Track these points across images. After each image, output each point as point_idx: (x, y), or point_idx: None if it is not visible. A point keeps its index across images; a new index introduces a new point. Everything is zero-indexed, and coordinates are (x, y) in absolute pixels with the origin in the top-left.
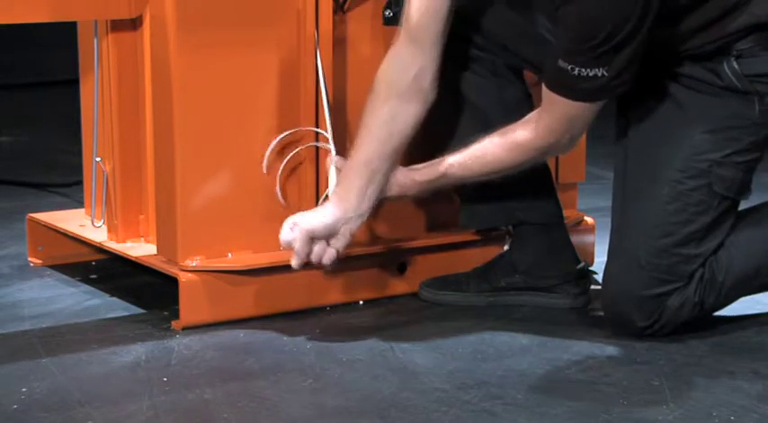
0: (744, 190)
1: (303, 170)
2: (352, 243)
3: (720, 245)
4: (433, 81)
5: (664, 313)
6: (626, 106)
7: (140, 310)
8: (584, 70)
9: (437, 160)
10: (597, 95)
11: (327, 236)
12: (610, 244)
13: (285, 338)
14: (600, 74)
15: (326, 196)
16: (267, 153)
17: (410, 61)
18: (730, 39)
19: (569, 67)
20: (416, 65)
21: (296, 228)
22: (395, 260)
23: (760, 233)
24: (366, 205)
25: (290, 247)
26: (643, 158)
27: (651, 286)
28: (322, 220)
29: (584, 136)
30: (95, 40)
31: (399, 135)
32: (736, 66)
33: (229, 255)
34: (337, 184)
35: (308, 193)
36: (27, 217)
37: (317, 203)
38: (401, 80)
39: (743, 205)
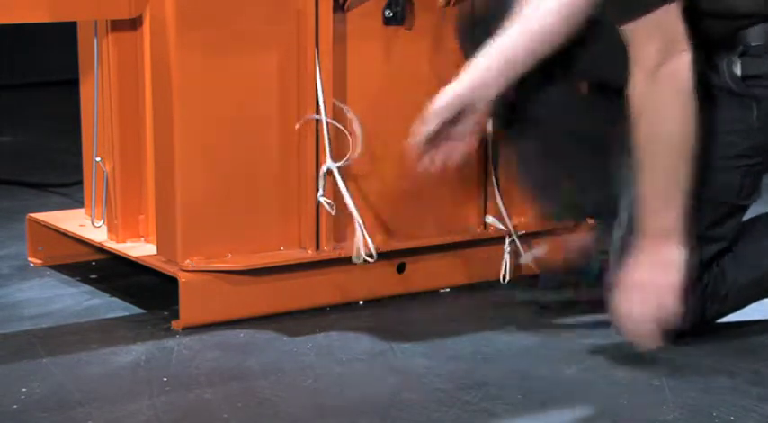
0: (744, 194)
1: (303, 168)
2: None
3: (727, 251)
4: None
5: None
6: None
7: (140, 310)
8: None
9: None
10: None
11: (457, 110)
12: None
13: (285, 338)
14: None
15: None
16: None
17: None
18: (739, 24)
19: None
20: None
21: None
22: (395, 260)
23: (764, 244)
24: (495, 90)
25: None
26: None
27: None
28: (453, 89)
29: None
30: (95, 40)
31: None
32: (735, 66)
33: (229, 255)
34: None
35: (309, 192)
36: (27, 217)
37: (317, 205)
38: None
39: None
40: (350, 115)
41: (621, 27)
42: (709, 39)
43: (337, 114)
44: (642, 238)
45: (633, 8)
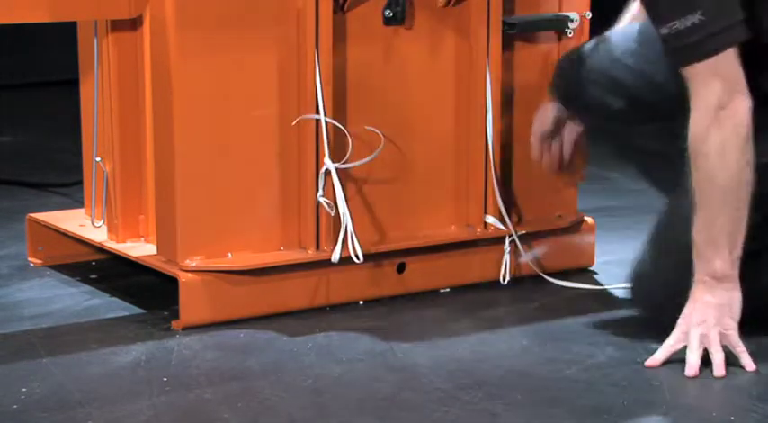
0: None
1: (303, 168)
2: None
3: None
4: None
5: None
6: None
7: (140, 310)
8: (679, 23)
9: None
10: (708, 46)
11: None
12: (650, 234)
13: (285, 338)
14: (696, 20)
15: None
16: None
17: None
18: None
19: (668, 31)
20: None
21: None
22: (395, 260)
23: None
24: None
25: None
26: None
27: (682, 278)
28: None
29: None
30: (95, 40)
31: None
32: None
33: (229, 255)
34: None
35: (309, 192)
36: (27, 217)
37: (317, 205)
38: None
39: None
40: (381, 136)
41: (681, 69)
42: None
43: (337, 114)
44: (695, 280)
45: (694, 52)
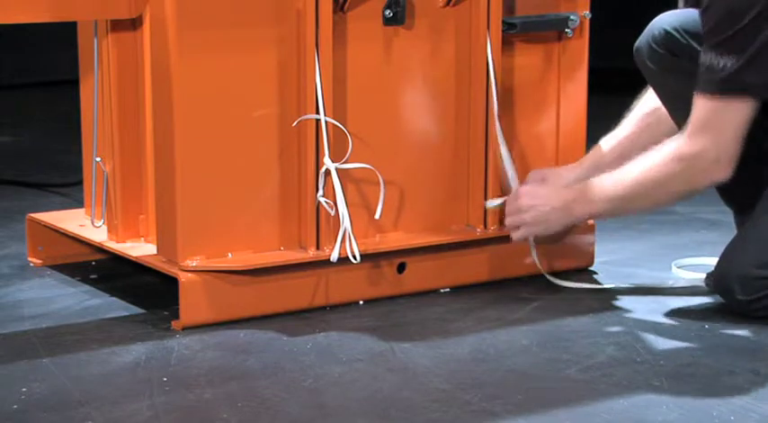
0: None
1: (303, 168)
2: None
3: None
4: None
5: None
6: None
7: (140, 310)
8: (717, 58)
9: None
10: (724, 85)
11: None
12: (746, 225)
13: (285, 338)
14: (729, 64)
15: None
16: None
17: None
18: None
19: (710, 57)
20: None
21: (531, 209)
22: (394, 260)
23: None
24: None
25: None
26: None
27: (760, 267)
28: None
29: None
30: (95, 40)
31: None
32: None
33: (229, 255)
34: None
35: (309, 192)
36: (27, 217)
37: (317, 205)
38: None
39: None
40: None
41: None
42: None
43: (337, 114)
44: (581, 189)
45: (701, 79)
